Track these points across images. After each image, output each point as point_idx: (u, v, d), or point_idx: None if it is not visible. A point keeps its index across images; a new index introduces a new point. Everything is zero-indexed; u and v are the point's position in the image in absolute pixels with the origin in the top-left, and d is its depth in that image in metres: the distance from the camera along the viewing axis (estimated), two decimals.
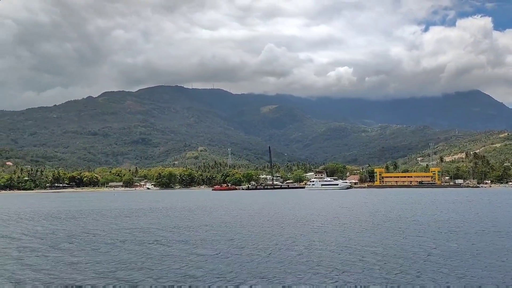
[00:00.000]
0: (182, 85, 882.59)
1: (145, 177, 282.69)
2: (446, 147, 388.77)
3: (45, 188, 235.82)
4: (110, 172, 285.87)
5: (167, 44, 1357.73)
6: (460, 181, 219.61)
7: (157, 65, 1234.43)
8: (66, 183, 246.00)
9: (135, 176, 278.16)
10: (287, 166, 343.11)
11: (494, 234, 34.22)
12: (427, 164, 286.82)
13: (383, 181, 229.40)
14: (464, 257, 24.63)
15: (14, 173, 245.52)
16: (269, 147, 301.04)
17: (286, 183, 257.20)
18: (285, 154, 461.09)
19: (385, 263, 22.93)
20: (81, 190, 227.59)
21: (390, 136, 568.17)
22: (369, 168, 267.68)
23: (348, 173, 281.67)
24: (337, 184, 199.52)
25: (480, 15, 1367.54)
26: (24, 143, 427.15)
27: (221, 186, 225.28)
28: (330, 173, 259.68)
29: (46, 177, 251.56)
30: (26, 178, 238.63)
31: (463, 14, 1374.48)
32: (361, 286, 18.70)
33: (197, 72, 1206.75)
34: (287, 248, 28.07)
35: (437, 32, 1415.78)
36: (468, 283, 18.96)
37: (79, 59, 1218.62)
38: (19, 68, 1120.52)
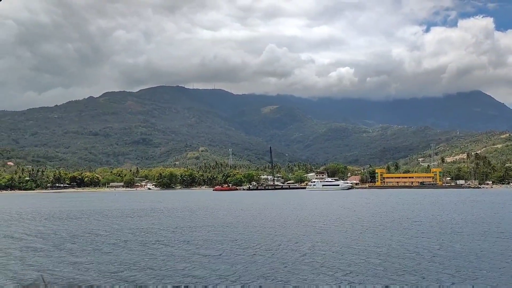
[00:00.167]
0: (183, 86, 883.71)
1: (146, 177, 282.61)
2: (447, 148, 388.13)
3: (46, 188, 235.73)
4: (111, 172, 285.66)
5: (168, 44, 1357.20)
6: (461, 181, 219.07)
7: (158, 65, 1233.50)
8: (67, 183, 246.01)
9: (136, 177, 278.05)
10: (288, 167, 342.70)
11: (498, 235, 34.14)
12: (428, 165, 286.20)
13: (384, 182, 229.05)
14: (469, 258, 24.52)
15: (15, 173, 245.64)
16: (270, 147, 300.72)
17: (287, 183, 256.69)
18: (286, 155, 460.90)
19: (390, 264, 22.82)
20: (82, 190, 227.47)
21: (391, 137, 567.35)
22: (370, 168, 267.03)
23: (349, 173, 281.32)
24: (338, 185, 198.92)
25: (481, 16, 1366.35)
26: (25, 143, 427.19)
27: (222, 186, 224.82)
28: (331, 174, 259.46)
29: (47, 177, 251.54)
30: (27, 178, 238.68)
31: (465, 15, 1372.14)
32: (365, 287, 18.60)
33: (198, 73, 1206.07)
34: (291, 249, 27.99)
35: (438, 32, 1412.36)
36: (474, 284, 18.85)
37: (80, 60, 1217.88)
38: (20, 68, 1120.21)
